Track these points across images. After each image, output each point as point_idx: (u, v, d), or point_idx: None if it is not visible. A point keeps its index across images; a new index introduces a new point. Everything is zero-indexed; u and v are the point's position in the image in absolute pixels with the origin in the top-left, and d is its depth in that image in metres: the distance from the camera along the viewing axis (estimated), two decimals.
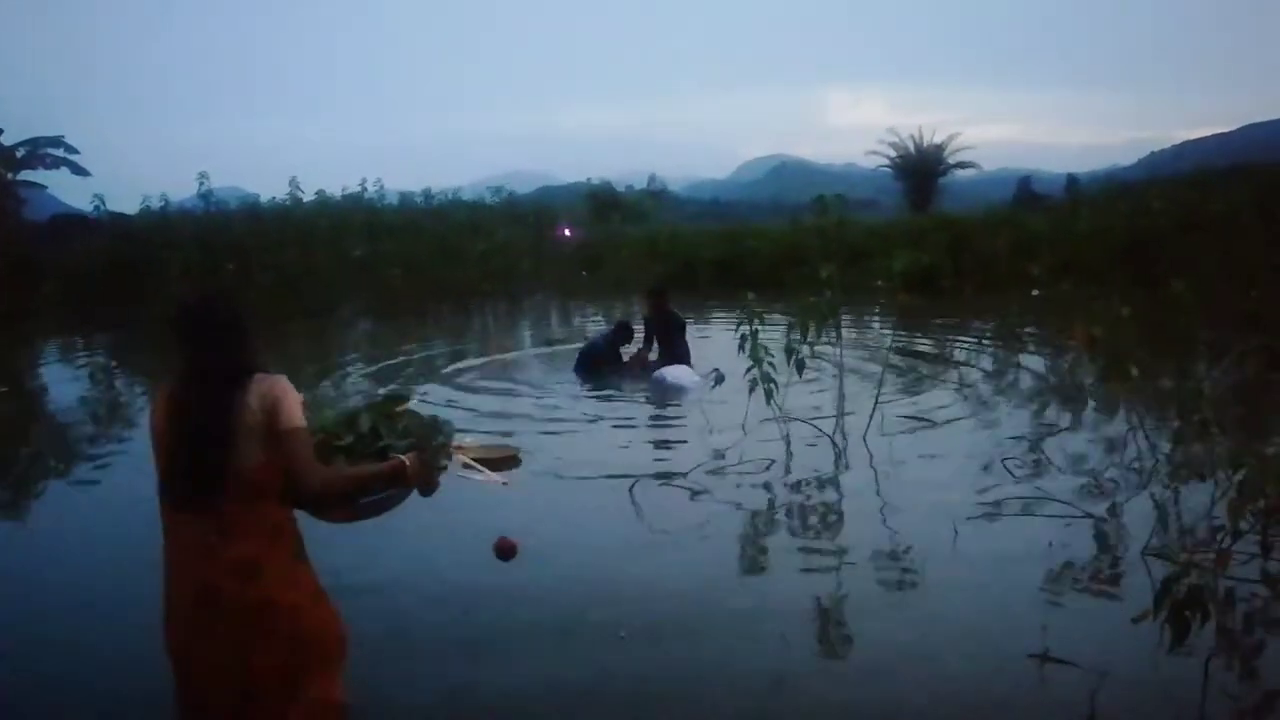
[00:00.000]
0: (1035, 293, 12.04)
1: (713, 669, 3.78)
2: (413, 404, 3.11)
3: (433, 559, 5.00)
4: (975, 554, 4.89)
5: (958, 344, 12.78)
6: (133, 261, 17.24)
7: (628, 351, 10.29)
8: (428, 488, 2.85)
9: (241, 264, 16.72)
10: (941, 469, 6.55)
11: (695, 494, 5.98)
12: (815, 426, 7.18)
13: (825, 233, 18.97)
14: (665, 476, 6.26)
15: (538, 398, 9.28)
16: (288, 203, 21.22)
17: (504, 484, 3.17)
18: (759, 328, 6.92)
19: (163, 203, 20.91)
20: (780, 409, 7.07)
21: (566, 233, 24.48)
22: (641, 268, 20.75)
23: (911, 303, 9.47)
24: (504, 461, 6.61)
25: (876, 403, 7.53)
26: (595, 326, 14.75)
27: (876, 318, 14.64)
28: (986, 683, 3.62)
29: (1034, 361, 10.92)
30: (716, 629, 4.14)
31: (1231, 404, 7.00)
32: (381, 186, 23.65)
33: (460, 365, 11.57)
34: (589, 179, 35.67)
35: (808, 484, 6.27)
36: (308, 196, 21.42)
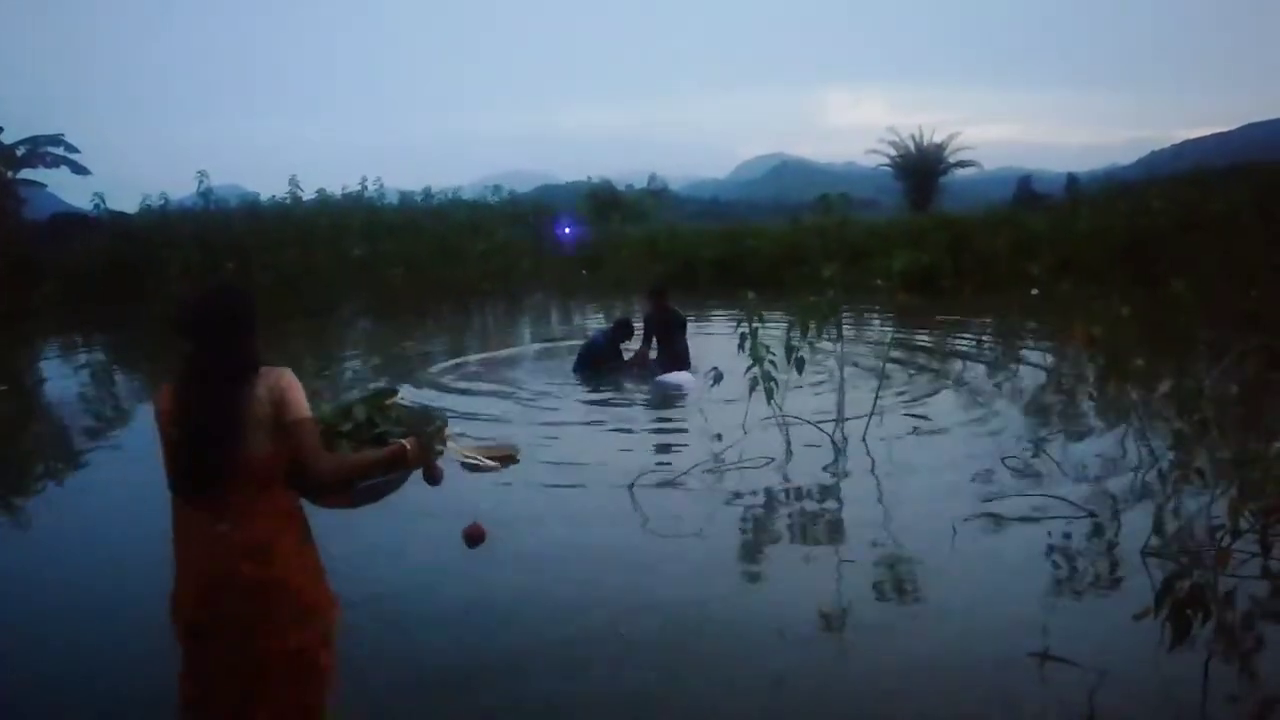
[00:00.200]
0: (1035, 292, 12.03)
1: (713, 668, 3.78)
2: (400, 398, 3.19)
3: (433, 559, 5.00)
4: (975, 553, 4.90)
5: (958, 343, 12.78)
6: (132, 260, 17.24)
7: (628, 349, 10.29)
8: (431, 475, 2.94)
9: (241, 263, 16.72)
10: (941, 468, 6.55)
11: (695, 494, 5.97)
12: (816, 426, 7.19)
13: (827, 232, 19.00)
14: (665, 476, 6.25)
15: (536, 398, 9.28)
16: (288, 202, 21.22)
17: (511, 460, 3.33)
18: (759, 326, 6.92)
19: (162, 201, 20.93)
20: (780, 408, 7.07)
21: (566, 230, 24.46)
22: (641, 267, 20.75)
23: (911, 302, 9.47)
24: (503, 460, 6.62)
25: (876, 402, 7.53)
26: (595, 324, 14.76)
27: (876, 317, 14.63)
28: (987, 681, 3.63)
29: (1034, 361, 10.92)
30: (716, 628, 4.14)
31: (1231, 404, 7.00)
32: (381, 186, 23.67)
33: (446, 365, 11.56)
34: (589, 178, 35.69)
35: (807, 484, 6.26)
36: (308, 195, 21.45)
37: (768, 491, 6.09)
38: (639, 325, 10.34)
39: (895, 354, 10.43)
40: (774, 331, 7.45)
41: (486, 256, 20.41)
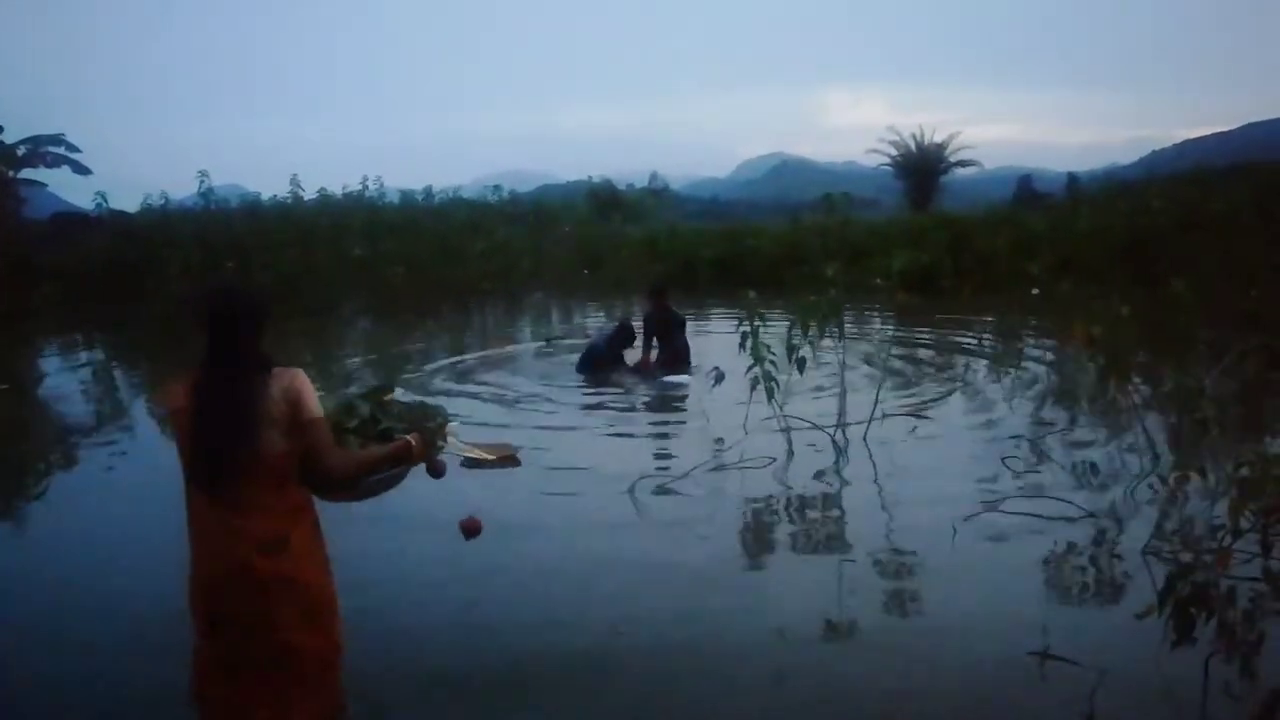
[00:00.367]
0: (1035, 291, 12.03)
1: (713, 667, 3.78)
2: (398, 394, 3.32)
3: (432, 559, 5.00)
4: (975, 552, 4.90)
5: (958, 343, 12.78)
6: (133, 260, 17.23)
7: (630, 355, 10.31)
8: (433, 469, 3.04)
9: (242, 263, 16.72)
10: (942, 468, 6.55)
11: (695, 495, 5.97)
12: (816, 425, 7.19)
13: (829, 231, 19.00)
14: (665, 477, 6.25)
15: (536, 398, 9.28)
16: (288, 201, 21.22)
17: (511, 460, 3.55)
18: (759, 326, 6.92)
19: (163, 201, 20.91)
20: (781, 409, 7.07)
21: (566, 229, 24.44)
22: (641, 267, 20.75)
23: (911, 302, 9.48)
24: (503, 461, 6.63)
25: (877, 401, 7.53)
26: (596, 324, 14.75)
27: (877, 317, 14.64)
28: (987, 680, 3.63)
29: (1034, 360, 10.92)
30: (716, 628, 4.14)
31: (1232, 403, 7.01)
32: (381, 185, 23.67)
33: (445, 364, 11.56)
34: (589, 177, 35.69)
35: (808, 484, 6.26)
36: (308, 195, 21.45)
37: (768, 492, 6.09)
38: (639, 325, 10.34)
39: (896, 354, 10.43)
40: (775, 330, 7.45)
41: (486, 256, 20.40)
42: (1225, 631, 2.99)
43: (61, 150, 26.47)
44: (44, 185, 27.26)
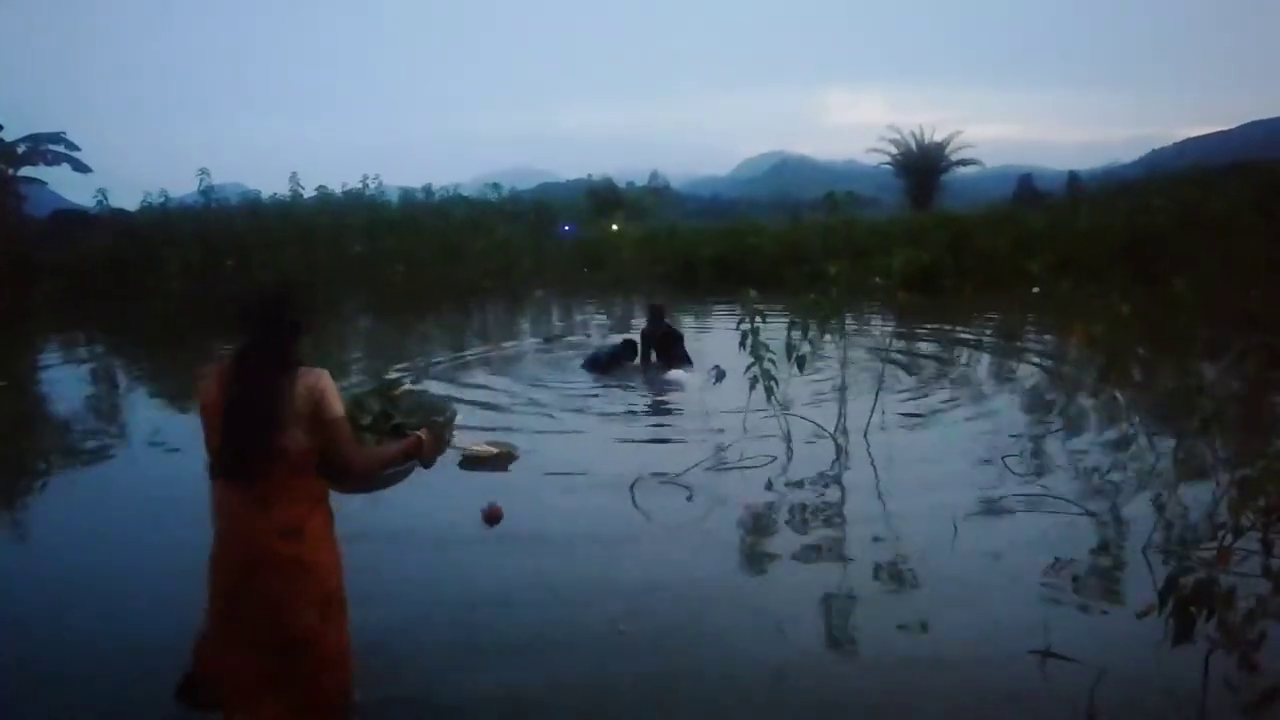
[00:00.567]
0: (1035, 290, 12.04)
1: (712, 664, 3.78)
2: (406, 387, 3.48)
3: (433, 558, 5.00)
4: (976, 551, 4.89)
5: (958, 341, 12.78)
6: (133, 258, 17.24)
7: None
8: (430, 460, 3.21)
9: (242, 261, 16.72)
10: (942, 466, 6.55)
11: (695, 491, 5.97)
12: (816, 424, 7.18)
13: (833, 230, 18.98)
14: (666, 474, 6.25)
15: (536, 396, 9.29)
16: (288, 199, 21.22)
17: (509, 459, 3.77)
18: (759, 325, 6.91)
19: (163, 199, 20.91)
20: (781, 406, 7.06)
21: (565, 229, 24.43)
22: (642, 268, 20.75)
23: (911, 300, 9.48)
24: (502, 459, 6.64)
25: (877, 400, 7.52)
26: (595, 321, 14.76)
27: (877, 315, 14.64)
28: (988, 678, 3.63)
29: (1034, 359, 10.92)
30: (716, 625, 4.14)
31: (1232, 402, 7.00)
32: (381, 183, 23.66)
33: (444, 362, 11.56)
34: (590, 175, 35.71)
35: (808, 481, 6.26)
36: (308, 193, 21.45)
37: (768, 490, 6.09)
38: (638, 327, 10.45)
39: (896, 352, 10.43)
40: (776, 328, 7.45)
41: (487, 254, 20.40)
42: (1226, 629, 2.98)
43: (61, 148, 26.48)
44: (44, 183, 27.27)
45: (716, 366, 8.66)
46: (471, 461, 6.43)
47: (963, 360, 11.23)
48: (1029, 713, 3.43)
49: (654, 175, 41.85)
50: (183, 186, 21.72)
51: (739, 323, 7.13)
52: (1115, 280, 11.10)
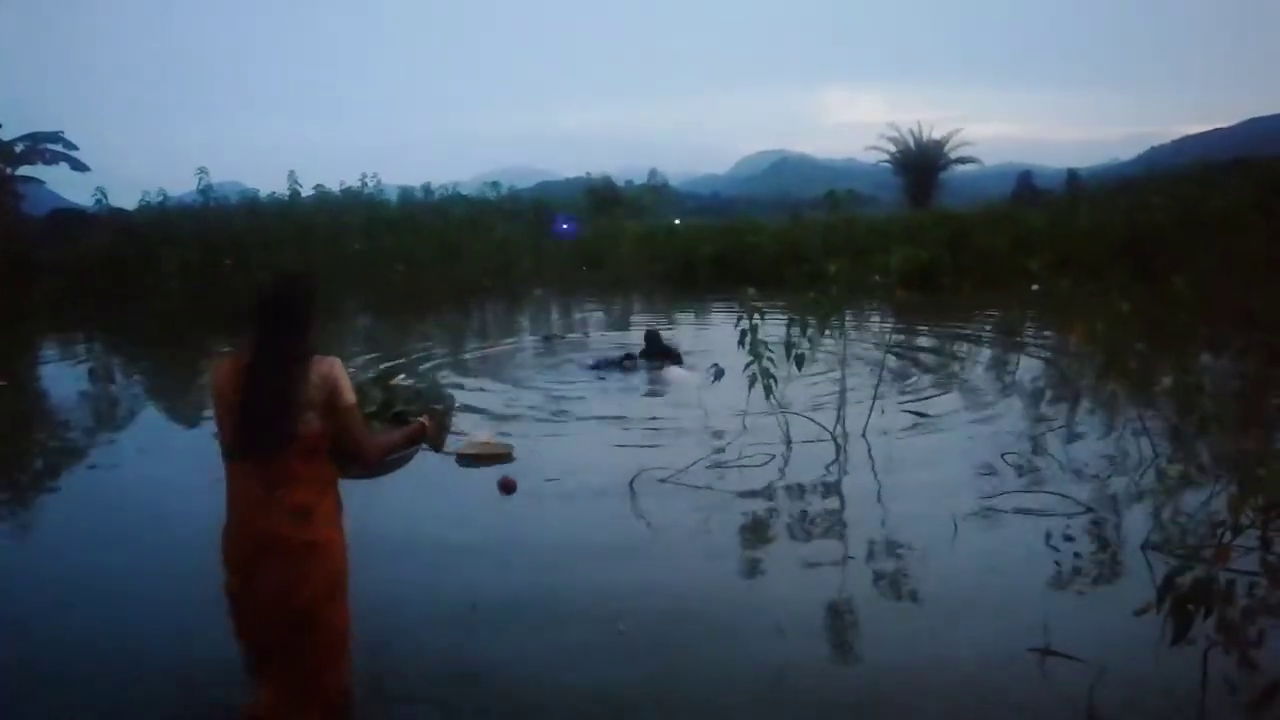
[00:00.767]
0: (1035, 288, 12.02)
1: (712, 663, 3.78)
2: (403, 378, 3.64)
3: (433, 558, 5.00)
4: (975, 549, 4.90)
5: (957, 339, 12.78)
6: (131, 257, 17.19)
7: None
8: (439, 447, 3.38)
9: (240, 260, 16.67)
10: (941, 464, 6.55)
11: (694, 489, 5.97)
12: (815, 422, 7.18)
13: (834, 228, 18.96)
14: (665, 472, 6.24)
15: (534, 394, 9.29)
16: (286, 198, 21.18)
17: (505, 458, 3.93)
18: (758, 323, 6.91)
19: (162, 198, 20.86)
20: (780, 405, 7.06)
21: (565, 226, 24.39)
22: (642, 267, 20.73)
23: (910, 299, 9.48)
24: (498, 458, 6.64)
25: (876, 398, 7.52)
26: (594, 319, 14.76)
27: (876, 314, 14.64)
28: (987, 676, 3.63)
29: (1033, 357, 10.92)
30: (715, 623, 4.14)
31: (1231, 400, 7.01)
32: (380, 182, 23.62)
33: (444, 360, 11.56)
34: (589, 174, 35.65)
35: (808, 480, 6.26)
36: (306, 192, 21.41)
37: (768, 488, 6.09)
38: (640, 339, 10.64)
39: (895, 350, 10.43)
40: (775, 326, 7.44)
41: (486, 253, 20.38)
42: (1224, 627, 2.98)
43: (59, 147, 26.45)
44: (42, 182, 27.24)
45: (715, 365, 8.67)
46: (469, 459, 6.44)
47: (962, 358, 11.22)
48: (1029, 711, 3.43)
49: (653, 173, 41.78)
50: (181, 185, 21.69)
51: (738, 321, 7.13)
52: (1115, 278, 11.10)
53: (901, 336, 11.86)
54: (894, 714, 3.45)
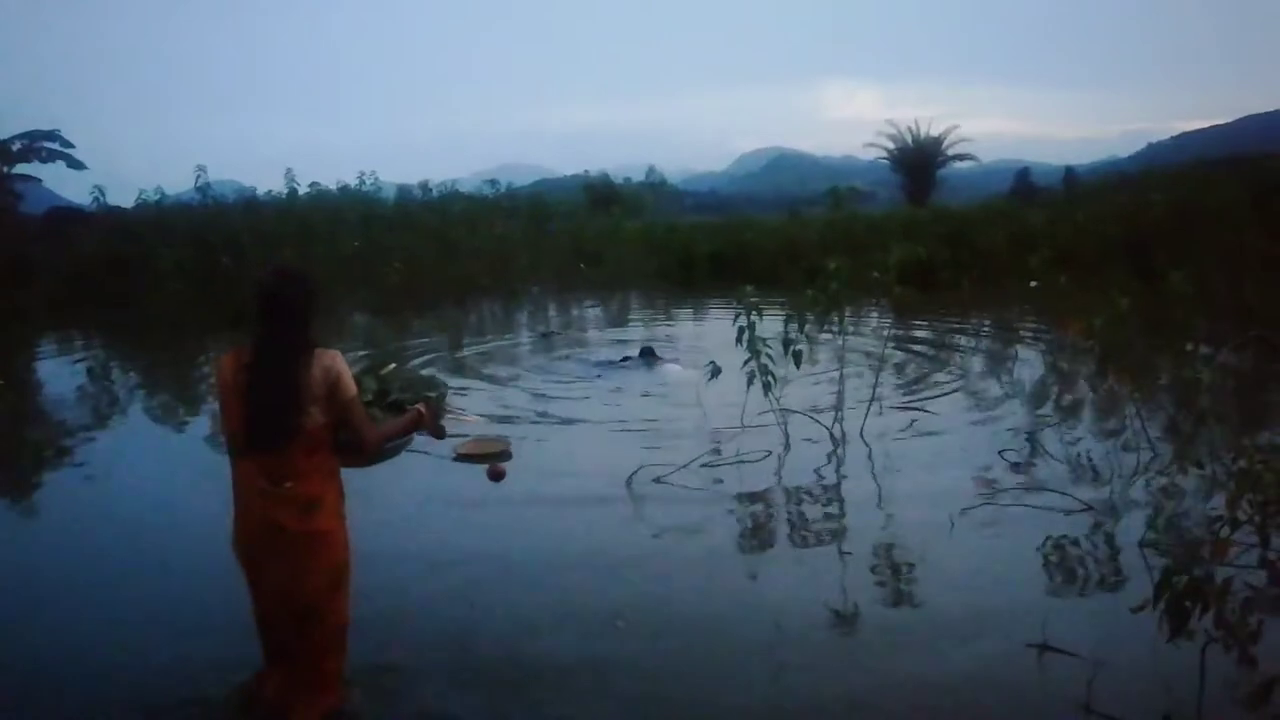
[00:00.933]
0: (1033, 284, 12.03)
1: (710, 660, 3.78)
2: (394, 366, 3.68)
3: (433, 557, 5.00)
4: (973, 544, 4.90)
5: (955, 336, 12.78)
6: (128, 256, 17.17)
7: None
8: (438, 433, 3.43)
9: (238, 258, 16.65)
10: (939, 461, 6.55)
11: (693, 488, 5.97)
12: (814, 419, 7.18)
13: (834, 225, 18.94)
14: (663, 471, 6.24)
15: (533, 392, 9.29)
16: (284, 196, 21.16)
17: (503, 455, 4.02)
18: (756, 320, 6.91)
19: (159, 196, 20.84)
20: (778, 402, 7.06)
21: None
22: (640, 267, 20.71)
23: (908, 296, 9.49)
24: (496, 455, 6.64)
25: (874, 395, 7.52)
26: (593, 317, 14.75)
27: (874, 311, 14.65)
28: (985, 672, 3.63)
29: (1031, 353, 10.93)
30: (715, 622, 4.13)
31: (1229, 396, 7.01)
32: (377, 180, 23.60)
33: (443, 358, 11.56)
34: (586, 171, 35.63)
35: (806, 478, 6.26)
36: (304, 190, 21.40)
37: (766, 485, 6.09)
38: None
39: (893, 348, 10.43)
40: (773, 324, 7.44)
41: (484, 250, 20.36)
42: (1222, 623, 2.98)
43: (57, 145, 26.44)
44: (39, 181, 27.24)
45: (713, 362, 8.63)
46: (466, 457, 6.44)
47: (960, 354, 11.23)
48: (1027, 706, 3.43)
49: (651, 171, 41.72)
50: (179, 184, 21.67)
51: (736, 318, 7.12)
52: (1113, 274, 11.11)
53: (900, 333, 11.86)
54: (893, 712, 3.45)
